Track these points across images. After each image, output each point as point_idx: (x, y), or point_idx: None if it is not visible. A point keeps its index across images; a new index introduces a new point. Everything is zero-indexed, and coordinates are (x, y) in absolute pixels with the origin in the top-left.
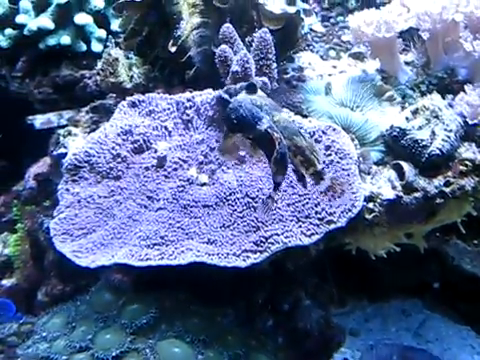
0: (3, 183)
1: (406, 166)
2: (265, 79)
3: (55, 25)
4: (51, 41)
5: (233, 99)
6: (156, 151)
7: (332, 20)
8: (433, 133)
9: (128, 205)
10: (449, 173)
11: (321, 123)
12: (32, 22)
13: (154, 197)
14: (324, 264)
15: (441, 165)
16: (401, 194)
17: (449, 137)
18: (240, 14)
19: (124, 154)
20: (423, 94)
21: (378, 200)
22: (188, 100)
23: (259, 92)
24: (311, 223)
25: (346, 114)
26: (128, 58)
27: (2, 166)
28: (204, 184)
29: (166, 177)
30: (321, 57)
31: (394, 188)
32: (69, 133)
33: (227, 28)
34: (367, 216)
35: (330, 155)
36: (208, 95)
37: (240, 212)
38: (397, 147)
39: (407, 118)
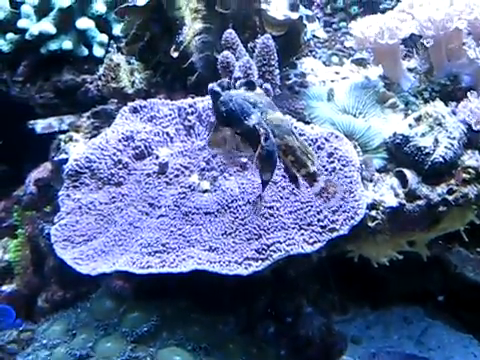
0: (4, 188)
1: (409, 174)
2: (267, 85)
3: (57, 30)
4: (53, 46)
5: (225, 92)
6: (158, 157)
7: (334, 26)
8: (436, 140)
9: (129, 212)
10: (452, 181)
11: (323, 130)
12: (34, 27)
13: (155, 204)
14: (326, 271)
15: (444, 173)
16: (404, 202)
17: (452, 145)
18: (242, 20)
19: (125, 160)
20: (426, 101)
21: (381, 208)
22: (190, 106)
23: (257, 90)
24: (313, 231)
25: (348, 121)
26: (130, 63)
27: (3, 171)
28: (206, 191)
29: (168, 184)
30: (323, 63)
31: (397, 196)
32: (70, 139)
33: (229, 34)
34: (370, 224)
35: (333, 162)
36: (210, 101)
37: (242, 219)
38: (400, 154)
39: (410, 125)
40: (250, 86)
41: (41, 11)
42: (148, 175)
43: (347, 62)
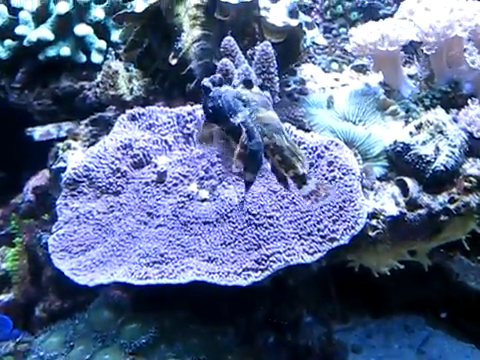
0: (1, 195)
1: (410, 182)
2: (267, 93)
3: (55, 36)
4: (51, 52)
5: (215, 88)
6: (156, 166)
7: (334, 31)
8: (437, 148)
9: (127, 221)
10: (453, 189)
11: (323, 138)
12: (32, 33)
13: (154, 213)
14: (326, 280)
15: (445, 181)
16: (405, 211)
17: (453, 153)
18: (242, 27)
19: (124, 169)
20: (427, 108)
21: (381, 217)
22: (189, 113)
23: (255, 89)
24: (313, 241)
25: (348, 128)
26: (128, 70)
27: (0, 178)
28: (205, 200)
29: (166, 193)
30: (323, 69)
31: (398, 204)
32: (68, 147)
33: (228, 41)
34: (370, 233)
35: (333, 171)
36: None
37: (241, 229)
38: (401, 162)
39: (411, 133)
40: (247, 84)
41: (39, 17)
42: (146, 184)
43: (347, 68)
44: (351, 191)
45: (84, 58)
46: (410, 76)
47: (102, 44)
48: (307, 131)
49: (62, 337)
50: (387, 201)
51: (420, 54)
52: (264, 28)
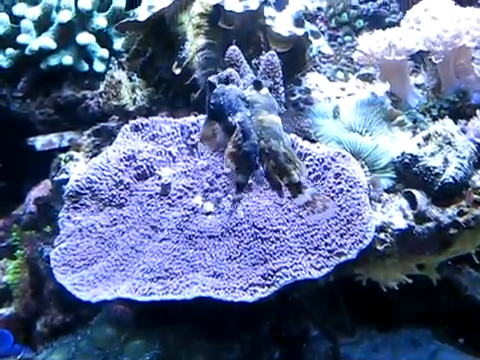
0: (2, 206)
1: (418, 195)
2: None
3: (57, 45)
4: (53, 61)
5: (219, 85)
6: (160, 178)
7: (339, 40)
8: (446, 160)
9: (131, 235)
10: (463, 202)
11: (330, 149)
12: (34, 42)
13: (158, 227)
14: (334, 294)
15: (454, 194)
16: (413, 224)
17: (462, 164)
18: (247, 36)
19: (127, 181)
20: (434, 119)
21: (389, 230)
22: (193, 124)
23: (263, 91)
24: (321, 255)
25: (355, 139)
26: (131, 80)
27: (2, 188)
28: (209, 213)
29: (170, 205)
30: (328, 78)
31: (406, 217)
32: (70, 158)
33: (233, 50)
34: (378, 247)
35: (340, 183)
36: None
37: (247, 243)
38: (409, 174)
39: (419, 144)
40: (257, 86)
41: (41, 26)
42: (150, 196)
43: (353, 77)
44: (359, 204)
45: (86, 67)
46: (417, 85)
47: (104, 53)
48: (313, 142)
49: (64, 354)
50: (395, 214)
51: (427, 63)
52: (269, 37)
